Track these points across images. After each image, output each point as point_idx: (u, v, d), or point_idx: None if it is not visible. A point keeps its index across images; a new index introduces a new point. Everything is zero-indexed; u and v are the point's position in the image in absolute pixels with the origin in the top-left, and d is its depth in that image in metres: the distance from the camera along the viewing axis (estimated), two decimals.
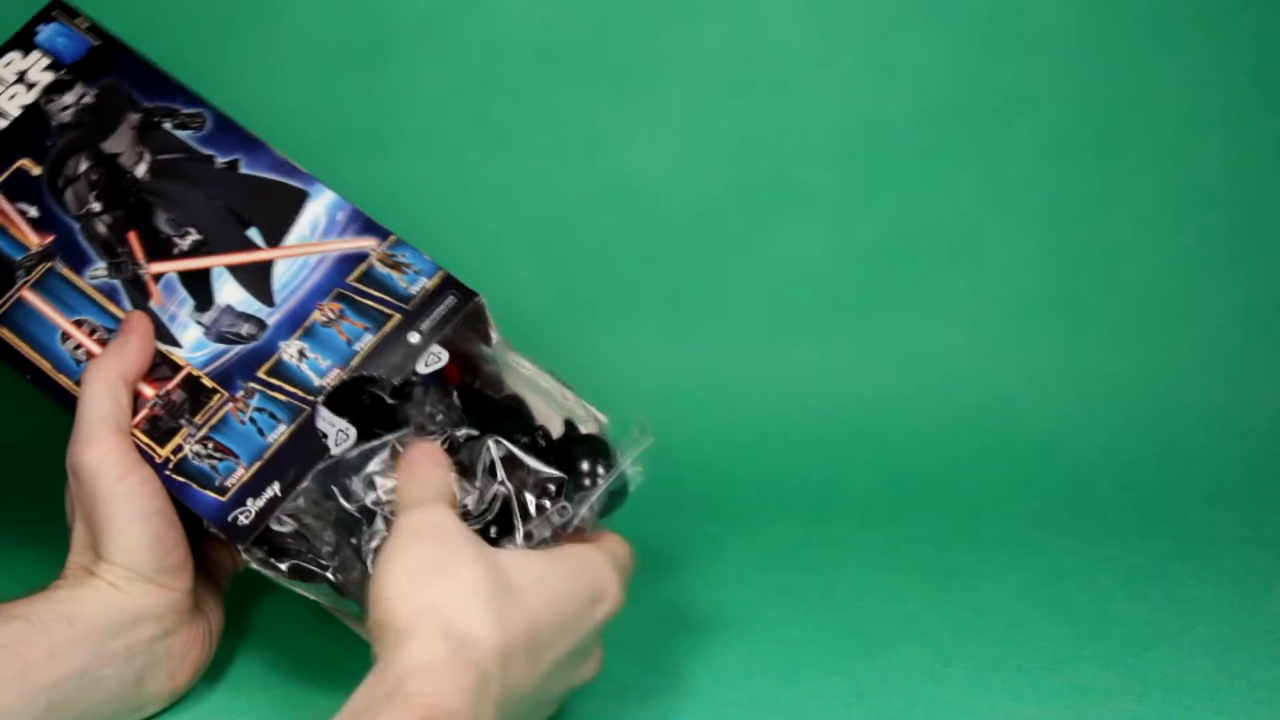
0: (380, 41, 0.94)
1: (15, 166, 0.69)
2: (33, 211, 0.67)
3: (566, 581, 0.54)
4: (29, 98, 0.70)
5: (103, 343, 0.64)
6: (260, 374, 0.63)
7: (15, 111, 0.70)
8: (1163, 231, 1.00)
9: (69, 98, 0.70)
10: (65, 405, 0.63)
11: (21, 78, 0.71)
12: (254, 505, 0.60)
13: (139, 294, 0.66)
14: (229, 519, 0.60)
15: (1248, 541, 0.83)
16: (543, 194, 0.97)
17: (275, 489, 0.60)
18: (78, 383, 0.62)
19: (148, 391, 0.63)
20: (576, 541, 0.58)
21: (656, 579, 0.75)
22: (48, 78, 0.71)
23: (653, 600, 0.72)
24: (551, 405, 0.66)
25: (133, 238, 0.67)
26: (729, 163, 0.98)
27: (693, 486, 0.89)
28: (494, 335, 0.67)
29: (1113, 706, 0.62)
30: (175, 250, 0.66)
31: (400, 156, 0.96)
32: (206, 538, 0.64)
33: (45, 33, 0.72)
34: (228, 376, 0.63)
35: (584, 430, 0.65)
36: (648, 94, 0.96)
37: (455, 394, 0.64)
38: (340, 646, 0.65)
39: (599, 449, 0.62)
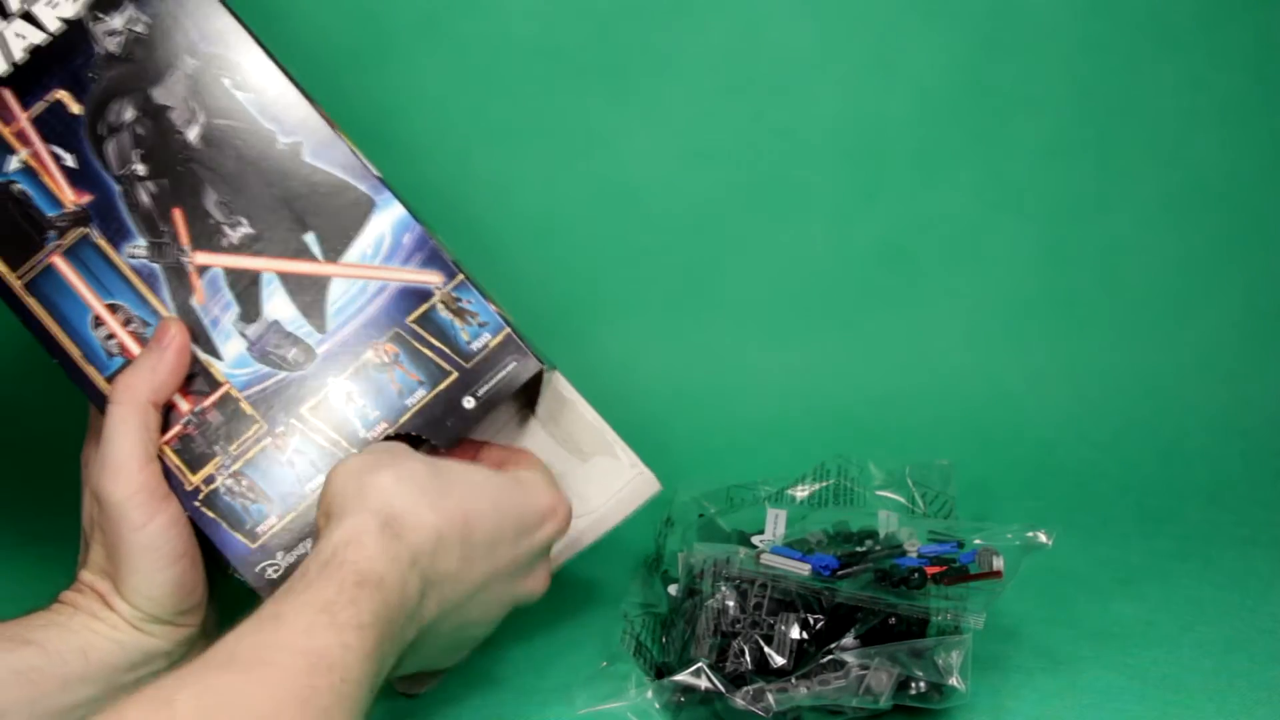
0: (380, 41, 0.94)
1: (52, 98, 0.60)
2: (70, 160, 0.60)
3: (511, 493, 0.57)
4: (71, 9, 0.60)
5: (137, 336, 0.59)
6: (303, 411, 0.59)
7: (54, 25, 0.60)
8: (1163, 231, 1.00)
9: (117, 21, 0.60)
10: (93, 398, 0.60)
11: None
12: (284, 560, 0.58)
13: (180, 286, 0.60)
14: (257, 569, 0.58)
15: (1248, 541, 0.83)
16: (543, 194, 0.97)
17: (307, 546, 0.58)
18: (109, 379, 0.59)
19: (182, 405, 0.59)
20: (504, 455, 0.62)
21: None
22: None
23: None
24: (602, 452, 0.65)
25: (178, 216, 0.60)
26: (729, 163, 0.98)
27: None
28: (541, 407, 0.63)
29: (1113, 706, 0.62)
30: (224, 241, 0.60)
31: (400, 156, 0.95)
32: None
33: None
34: (268, 405, 0.59)
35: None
36: (648, 94, 0.96)
37: None
38: None
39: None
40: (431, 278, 0.60)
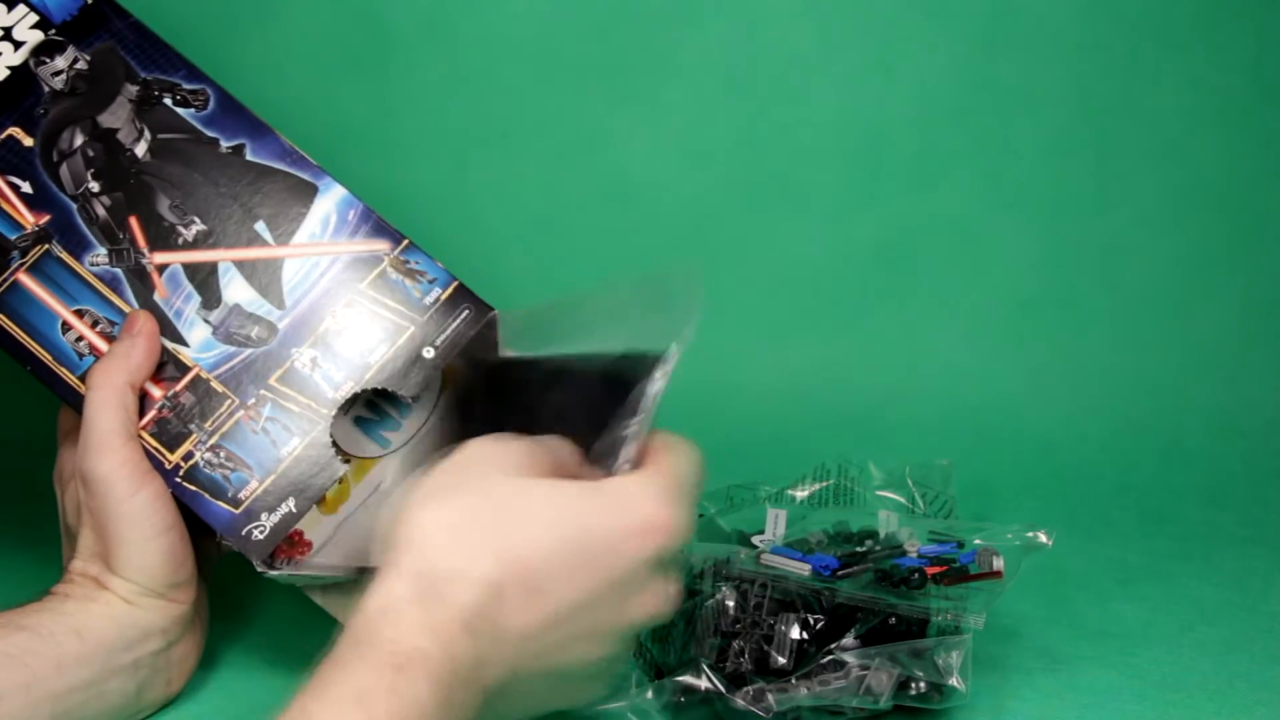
0: (381, 41, 0.94)
1: (5, 135, 0.64)
2: (26, 187, 0.64)
3: (592, 512, 0.49)
4: (16, 58, 0.65)
5: (105, 336, 0.62)
6: (272, 381, 0.62)
7: (2, 73, 0.65)
8: (1163, 231, 1.00)
9: (60, 62, 0.65)
10: (66, 399, 0.62)
11: (8, 34, 0.65)
12: (269, 520, 0.59)
13: (142, 285, 0.63)
14: (243, 533, 0.59)
15: (1248, 541, 0.83)
16: (543, 194, 0.97)
17: (290, 505, 0.59)
18: (81, 378, 0.61)
19: (155, 392, 0.61)
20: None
21: None
22: (36, 36, 0.65)
23: None
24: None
25: (134, 223, 0.64)
26: (729, 163, 0.98)
27: None
28: (501, 351, 0.65)
29: (1113, 706, 0.62)
30: (179, 240, 0.64)
31: (400, 156, 0.96)
32: (201, 532, 0.63)
33: None
34: (238, 381, 0.61)
35: None
36: (648, 94, 0.96)
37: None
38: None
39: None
40: (379, 245, 0.64)
